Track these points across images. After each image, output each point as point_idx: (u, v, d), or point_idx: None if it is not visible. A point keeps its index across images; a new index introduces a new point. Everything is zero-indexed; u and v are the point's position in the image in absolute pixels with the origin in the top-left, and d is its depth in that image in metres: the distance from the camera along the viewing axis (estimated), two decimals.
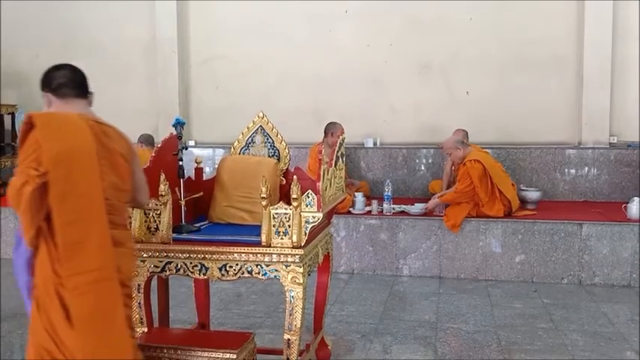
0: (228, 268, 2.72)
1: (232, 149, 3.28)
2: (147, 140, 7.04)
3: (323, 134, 6.35)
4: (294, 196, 2.65)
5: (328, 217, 3.25)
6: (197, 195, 3.10)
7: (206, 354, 2.56)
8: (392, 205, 5.78)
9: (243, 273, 2.71)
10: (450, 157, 5.91)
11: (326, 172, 2.91)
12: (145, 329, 2.83)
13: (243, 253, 2.69)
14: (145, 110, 8.26)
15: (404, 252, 5.61)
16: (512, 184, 5.83)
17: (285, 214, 2.67)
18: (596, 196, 6.75)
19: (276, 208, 2.68)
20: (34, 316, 2.10)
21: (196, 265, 2.75)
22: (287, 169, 3.25)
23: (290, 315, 2.71)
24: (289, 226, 2.66)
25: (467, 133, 6.31)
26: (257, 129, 3.25)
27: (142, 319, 2.82)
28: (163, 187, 2.70)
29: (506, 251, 5.41)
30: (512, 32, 7.16)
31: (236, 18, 7.90)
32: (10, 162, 7.85)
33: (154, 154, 2.95)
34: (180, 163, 2.95)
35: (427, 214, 5.70)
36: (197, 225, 3.00)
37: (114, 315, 2.09)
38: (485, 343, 3.89)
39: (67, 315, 2.02)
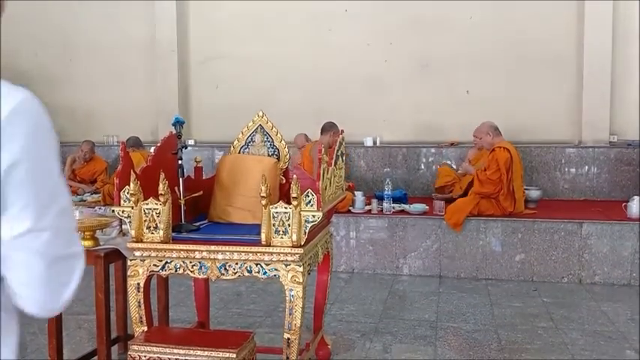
0: (227, 267, 2.72)
1: (232, 148, 3.28)
2: (136, 143, 7.06)
3: (320, 133, 6.37)
4: (293, 195, 2.64)
5: (328, 216, 3.25)
6: (197, 194, 3.09)
7: (206, 353, 2.56)
8: (392, 204, 5.78)
9: (242, 272, 2.71)
10: (479, 141, 5.90)
11: (325, 171, 2.91)
12: (145, 328, 2.83)
13: (243, 252, 2.69)
14: (145, 110, 8.27)
15: (404, 251, 5.61)
16: (524, 190, 5.81)
17: (285, 213, 2.66)
18: (597, 194, 6.75)
19: (276, 207, 2.67)
20: None
21: (196, 265, 2.75)
22: (287, 168, 3.25)
23: (290, 314, 2.71)
24: (289, 225, 2.66)
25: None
26: (257, 128, 3.24)
27: (141, 318, 2.81)
28: (163, 186, 2.69)
29: (506, 250, 5.41)
30: (513, 32, 7.16)
31: (235, 17, 7.90)
32: None
33: (153, 153, 2.94)
34: (180, 162, 2.94)
35: (427, 212, 5.70)
36: (197, 224, 3.00)
37: None
38: (485, 342, 3.89)
39: None
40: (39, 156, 0.92)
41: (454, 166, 6.86)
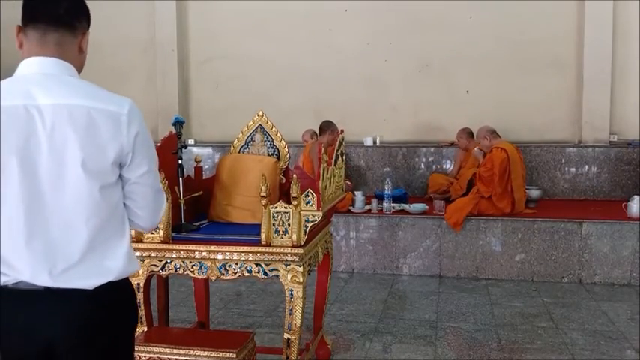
0: (227, 267, 2.72)
1: (232, 148, 3.28)
2: None
3: (319, 133, 6.38)
4: (293, 195, 2.65)
5: (328, 215, 3.25)
6: (197, 194, 3.10)
7: (206, 353, 2.56)
8: (392, 204, 5.78)
9: (242, 272, 2.71)
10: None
11: (325, 171, 2.91)
12: (145, 328, 2.83)
13: (243, 252, 2.69)
14: (145, 110, 8.10)
15: (404, 251, 5.61)
16: (524, 190, 5.79)
17: (285, 213, 2.66)
18: (597, 194, 6.75)
19: (276, 207, 2.67)
20: None
21: (196, 264, 2.75)
22: (287, 167, 3.25)
23: (290, 314, 2.71)
24: (289, 225, 2.66)
25: (471, 132, 6.39)
26: (256, 128, 3.24)
27: (141, 318, 2.82)
28: (163, 186, 2.69)
29: (506, 250, 5.41)
30: (513, 32, 7.15)
31: (235, 17, 7.90)
32: None
33: None
34: (180, 162, 2.94)
35: (427, 212, 5.70)
36: (197, 224, 3.00)
37: None
38: (485, 342, 3.89)
39: None
40: (145, 130, 1.64)
41: (447, 172, 6.88)
